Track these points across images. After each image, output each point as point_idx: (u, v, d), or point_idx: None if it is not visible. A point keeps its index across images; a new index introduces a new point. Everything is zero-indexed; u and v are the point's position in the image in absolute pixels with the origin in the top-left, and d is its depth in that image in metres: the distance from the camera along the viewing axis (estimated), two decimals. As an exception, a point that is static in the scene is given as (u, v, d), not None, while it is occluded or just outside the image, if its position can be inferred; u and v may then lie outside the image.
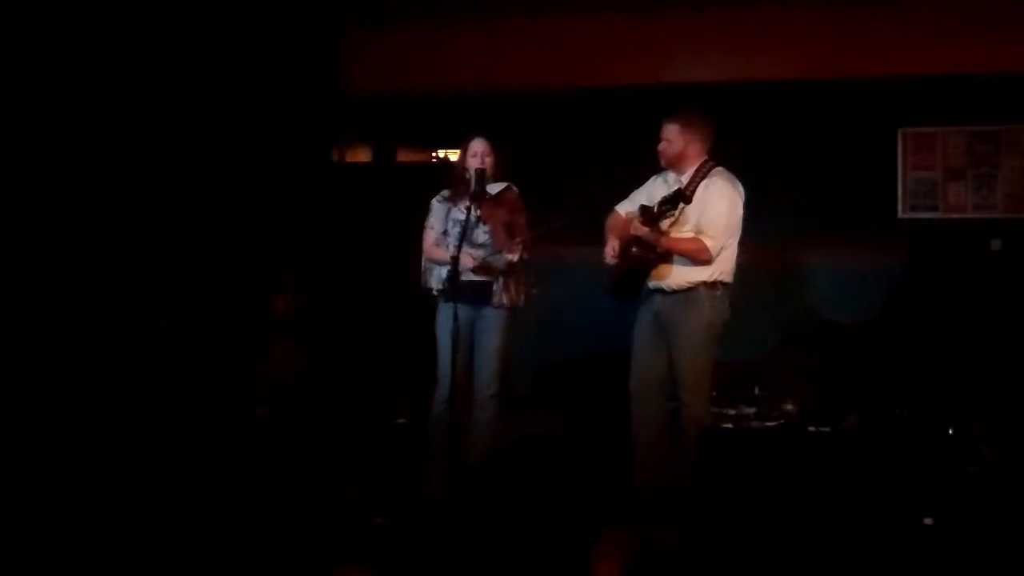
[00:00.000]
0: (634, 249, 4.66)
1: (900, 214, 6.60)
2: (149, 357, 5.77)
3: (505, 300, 4.80)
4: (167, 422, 5.29)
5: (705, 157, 4.68)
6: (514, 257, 4.69)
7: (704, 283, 4.60)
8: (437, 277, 4.83)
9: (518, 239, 4.69)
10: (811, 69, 6.13)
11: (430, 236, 4.93)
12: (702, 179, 4.61)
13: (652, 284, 4.68)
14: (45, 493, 4.17)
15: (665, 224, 4.57)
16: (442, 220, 4.91)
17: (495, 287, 4.79)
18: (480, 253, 4.77)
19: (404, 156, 7.88)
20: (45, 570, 3.57)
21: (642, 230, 4.57)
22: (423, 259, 4.95)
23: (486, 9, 6.46)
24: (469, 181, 4.77)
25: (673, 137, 4.66)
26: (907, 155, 6.59)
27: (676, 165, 4.69)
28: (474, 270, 4.72)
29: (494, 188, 4.84)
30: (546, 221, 4.79)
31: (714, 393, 4.96)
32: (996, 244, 6.32)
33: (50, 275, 5.34)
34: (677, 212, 4.53)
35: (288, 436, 5.69)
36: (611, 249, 4.77)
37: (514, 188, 4.89)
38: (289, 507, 4.27)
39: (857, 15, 6.04)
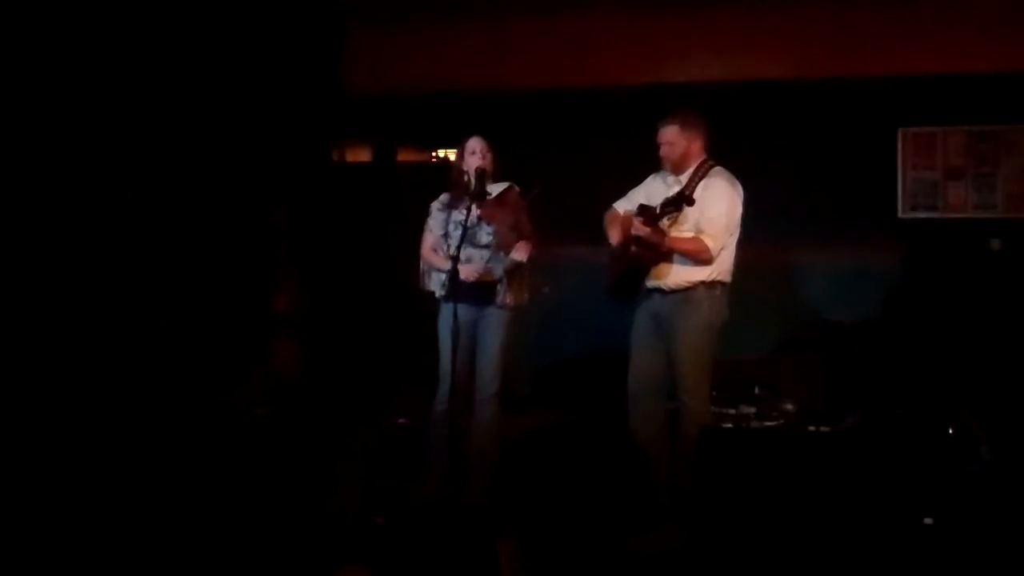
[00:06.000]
0: (634, 248, 4.65)
1: (900, 214, 6.58)
2: (149, 357, 5.77)
3: (508, 300, 4.80)
4: (167, 422, 5.29)
5: (704, 156, 4.68)
6: (523, 258, 4.68)
7: (703, 283, 4.59)
8: (437, 281, 4.83)
9: (524, 241, 4.68)
10: (811, 69, 6.13)
11: (428, 240, 4.93)
12: (701, 178, 4.60)
13: (651, 284, 4.67)
14: (46, 493, 4.17)
15: (665, 224, 4.56)
16: (441, 224, 4.90)
17: (499, 287, 4.78)
18: (483, 254, 4.76)
19: (404, 156, 7.88)
20: (48, 569, 3.57)
21: (643, 231, 4.55)
22: (421, 262, 4.95)
23: (486, 9, 6.46)
24: (468, 182, 4.76)
25: (674, 139, 4.65)
26: (907, 155, 6.57)
27: (679, 166, 4.67)
28: (476, 281, 4.71)
29: (495, 188, 4.83)
30: (545, 221, 4.79)
31: (714, 393, 4.95)
32: (996, 244, 6.31)
33: (50, 276, 5.34)
34: (678, 213, 4.53)
35: (288, 436, 5.69)
36: (616, 236, 4.76)
37: (516, 187, 4.89)
38: (289, 507, 4.27)
39: (857, 15, 6.04)
